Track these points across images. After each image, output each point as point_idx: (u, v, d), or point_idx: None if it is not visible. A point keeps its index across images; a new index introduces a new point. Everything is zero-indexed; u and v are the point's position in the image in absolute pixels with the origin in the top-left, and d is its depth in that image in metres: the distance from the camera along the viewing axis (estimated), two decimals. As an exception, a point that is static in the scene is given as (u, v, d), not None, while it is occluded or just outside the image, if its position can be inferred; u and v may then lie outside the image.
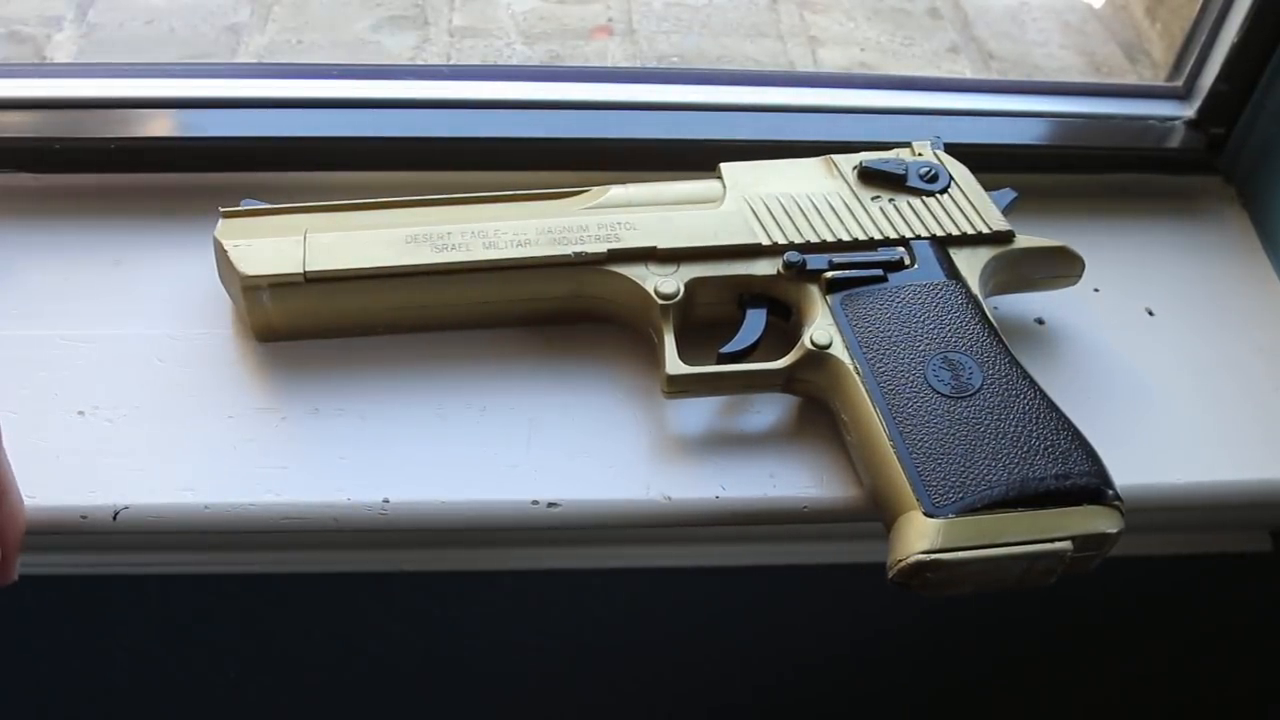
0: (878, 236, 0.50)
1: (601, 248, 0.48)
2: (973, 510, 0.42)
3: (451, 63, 0.89)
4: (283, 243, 0.48)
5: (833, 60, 0.93)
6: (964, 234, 0.50)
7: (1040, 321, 0.54)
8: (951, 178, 0.52)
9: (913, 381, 0.45)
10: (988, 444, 0.43)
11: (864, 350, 0.46)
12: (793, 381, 0.47)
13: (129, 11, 0.91)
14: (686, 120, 0.59)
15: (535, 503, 0.46)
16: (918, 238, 0.50)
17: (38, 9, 0.91)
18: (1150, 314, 0.56)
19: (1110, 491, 0.43)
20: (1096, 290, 0.56)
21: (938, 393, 0.45)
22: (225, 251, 0.48)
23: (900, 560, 0.42)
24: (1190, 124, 0.62)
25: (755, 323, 0.48)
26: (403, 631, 0.71)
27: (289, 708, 0.78)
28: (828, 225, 0.50)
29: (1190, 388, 0.53)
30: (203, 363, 0.49)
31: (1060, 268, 0.52)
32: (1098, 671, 0.80)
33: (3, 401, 0.47)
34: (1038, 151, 0.61)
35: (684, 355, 0.47)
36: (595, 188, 0.51)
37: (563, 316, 0.51)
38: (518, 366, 0.50)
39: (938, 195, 0.51)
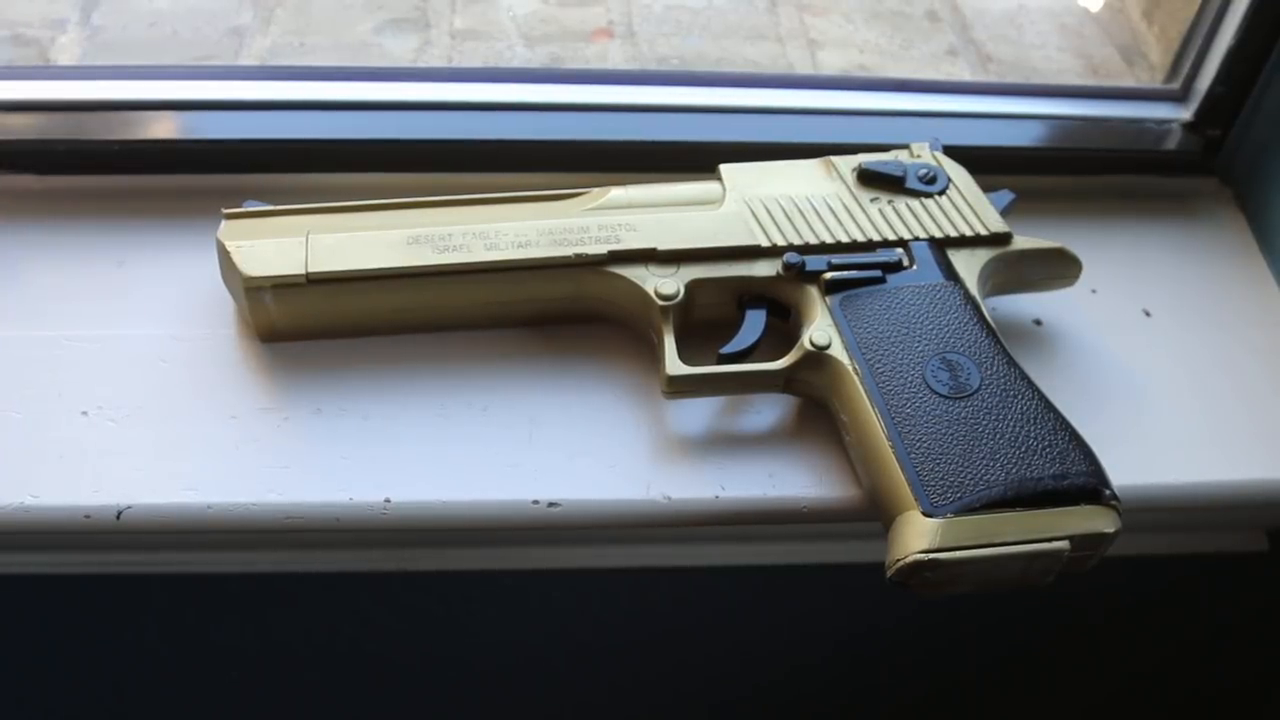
0: (876, 238, 0.50)
1: (602, 249, 0.49)
2: (971, 510, 0.42)
3: (453, 65, 0.89)
4: (285, 244, 0.48)
5: (832, 63, 0.93)
6: (962, 235, 0.50)
7: (1038, 322, 0.54)
8: (950, 179, 0.52)
9: (911, 382, 0.45)
10: (986, 444, 0.44)
11: (863, 351, 0.46)
12: (792, 382, 0.48)
13: (132, 14, 0.91)
14: (686, 122, 0.60)
15: (536, 502, 0.46)
16: (916, 239, 0.50)
17: (42, 12, 0.91)
18: (1147, 315, 0.56)
19: (1107, 491, 0.43)
20: (1094, 291, 0.56)
21: (936, 393, 0.45)
22: (228, 253, 0.48)
23: (899, 560, 0.42)
24: (1187, 126, 0.62)
25: (755, 323, 0.49)
26: (403, 631, 0.71)
27: (290, 707, 0.78)
28: (827, 227, 0.50)
29: (1187, 388, 0.53)
30: (205, 363, 0.49)
31: (1058, 269, 0.52)
32: (1096, 671, 0.80)
33: (7, 401, 0.48)
34: (1036, 153, 0.61)
35: (684, 356, 0.47)
36: (596, 189, 0.51)
37: (563, 317, 0.51)
38: (519, 367, 0.50)
39: (936, 197, 0.51)
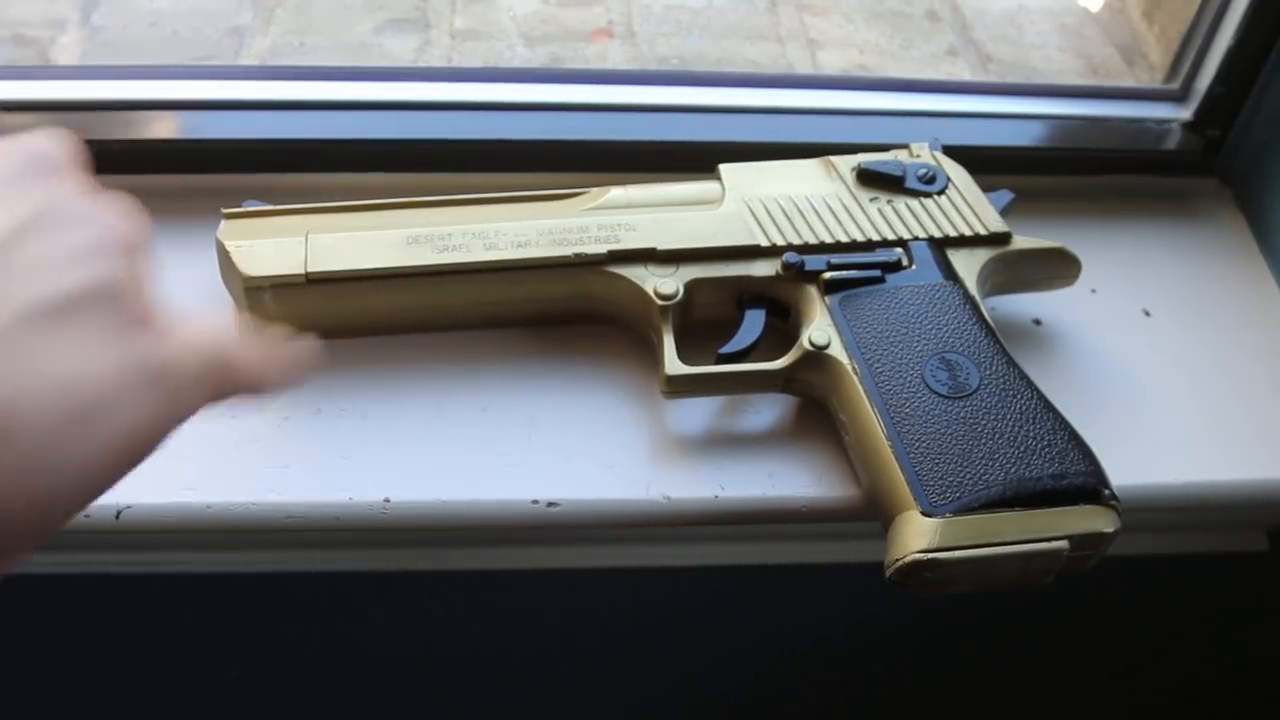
0: (875, 238, 0.50)
1: (601, 249, 0.49)
2: (970, 510, 0.42)
3: (453, 65, 0.89)
4: (285, 243, 0.48)
5: (831, 63, 0.93)
6: (961, 235, 0.50)
7: (1037, 322, 0.54)
8: (949, 179, 0.52)
9: (910, 382, 0.45)
10: (985, 444, 0.44)
11: (862, 351, 0.46)
12: (791, 382, 0.48)
13: (133, 14, 0.91)
14: (686, 122, 0.60)
15: (535, 502, 0.46)
16: (915, 239, 0.50)
17: (42, 12, 0.91)
18: (1147, 315, 0.56)
19: (1107, 491, 0.43)
20: (1093, 291, 0.56)
21: (935, 393, 0.45)
22: (227, 252, 0.48)
23: (898, 559, 0.42)
24: (1187, 126, 0.62)
25: (754, 323, 0.49)
26: (403, 631, 0.71)
27: (289, 706, 0.78)
28: (826, 226, 0.50)
29: (1187, 388, 0.53)
30: (205, 363, 0.49)
31: (1057, 269, 0.52)
32: (1095, 671, 0.80)
33: (7, 401, 0.48)
34: (1035, 153, 0.61)
35: (683, 356, 0.47)
36: (595, 189, 0.51)
37: (563, 317, 0.51)
38: (518, 367, 0.50)
39: (935, 197, 0.51)
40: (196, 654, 0.71)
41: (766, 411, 0.49)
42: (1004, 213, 0.52)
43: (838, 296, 0.48)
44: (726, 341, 0.48)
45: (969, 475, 0.43)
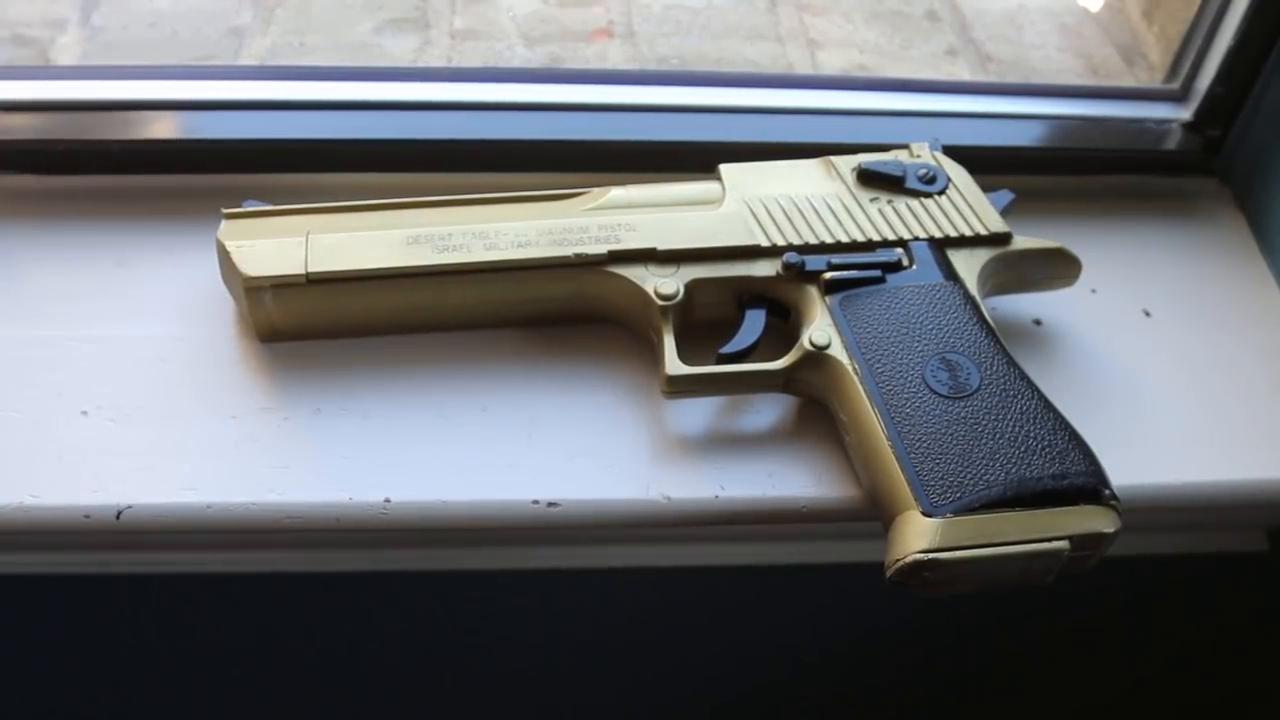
0: (876, 238, 0.50)
1: (602, 249, 0.49)
2: (970, 510, 0.42)
3: (453, 65, 0.89)
4: (285, 244, 0.48)
5: (831, 63, 0.93)
6: (962, 235, 0.50)
7: (1038, 322, 0.55)
8: (949, 179, 0.52)
9: (911, 382, 0.45)
10: (985, 444, 0.44)
11: (862, 351, 0.46)
12: (792, 382, 0.48)
13: (132, 14, 0.91)
14: (686, 122, 0.60)
15: (535, 502, 0.46)
16: (916, 239, 0.50)
17: (42, 12, 0.91)
18: (1147, 315, 0.56)
19: (1107, 491, 0.43)
20: (1094, 291, 0.56)
21: (936, 393, 0.45)
22: (228, 252, 0.48)
23: (898, 559, 0.42)
24: (1187, 126, 0.62)
25: (754, 323, 0.49)
26: (403, 631, 0.71)
27: (289, 707, 0.78)
28: (826, 227, 0.50)
29: (1187, 388, 0.53)
30: (205, 363, 0.50)
31: (1058, 269, 0.52)
32: (1095, 671, 0.80)
33: (7, 401, 0.48)
34: (1035, 153, 0.61)
35: (683, 356, 0.47)
36: (596, 189, 0.51)
37: (563, 317, 0.51)
38: (518, 367, 0.50)
39: (936, 197, 0.51)
40: (196, 654, 0.71)
41: (766, 411, 0.49)
42: (1004, 213, 0.52)
43: (838, 296, 0.48)
44: (727, 341, 0.48)
45: (970, 475, 0.43)
